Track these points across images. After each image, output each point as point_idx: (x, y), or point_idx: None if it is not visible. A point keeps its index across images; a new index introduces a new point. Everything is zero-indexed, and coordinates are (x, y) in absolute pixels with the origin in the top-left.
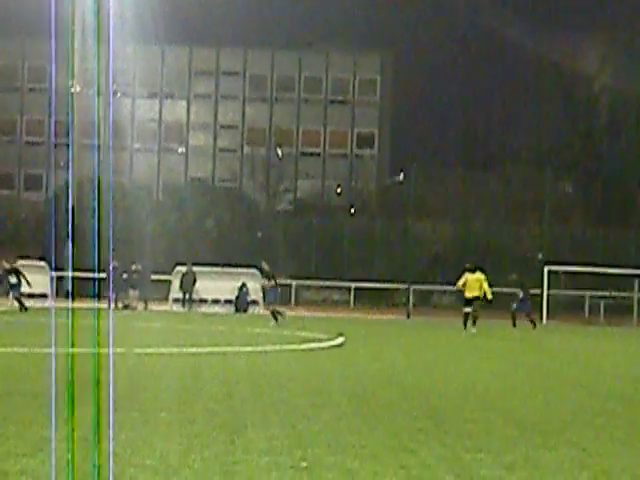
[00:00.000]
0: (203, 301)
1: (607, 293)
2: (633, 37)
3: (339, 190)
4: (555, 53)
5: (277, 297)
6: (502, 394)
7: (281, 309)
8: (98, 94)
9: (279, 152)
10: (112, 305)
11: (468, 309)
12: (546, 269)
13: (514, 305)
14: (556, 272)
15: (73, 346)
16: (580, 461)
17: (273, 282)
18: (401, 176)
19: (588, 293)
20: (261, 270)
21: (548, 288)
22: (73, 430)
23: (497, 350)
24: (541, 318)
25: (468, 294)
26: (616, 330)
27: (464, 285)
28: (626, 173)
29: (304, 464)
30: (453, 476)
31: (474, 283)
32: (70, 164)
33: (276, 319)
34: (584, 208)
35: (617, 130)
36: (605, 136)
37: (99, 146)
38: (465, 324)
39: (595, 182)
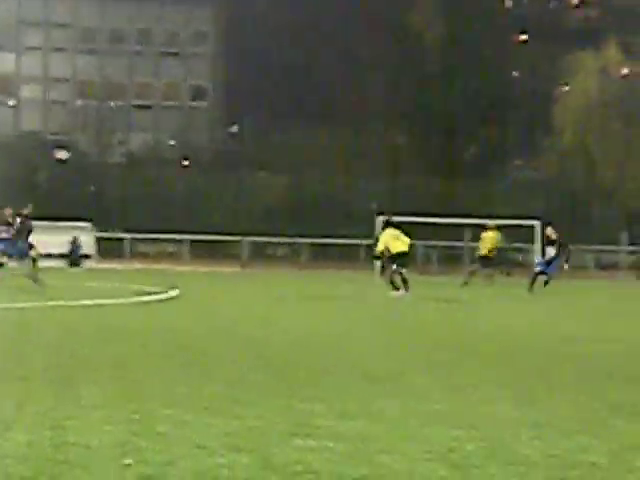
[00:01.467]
0: None
1: (438, 242)
2: None
3: (172, 143)
4: (386, 4)
5: None
6: (337, 344)
7: None
8: None
9: (112, 105)
10: None
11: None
12: (379, 219)
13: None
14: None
15: None
16: (412, 408)
17: None
18: (234, 128)
19: (420, 243)
20: None
21: None
22: None
23: (335, 301)
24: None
25: (396, 250)
26: (448, 279)
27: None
28: (457, 124)
29: (137, 417)
30: (288, 426)
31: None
32: None
33: None
34: (416, 158)
35: (447, 81)
36: (436, 87)
37: None
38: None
39: (426, 133)
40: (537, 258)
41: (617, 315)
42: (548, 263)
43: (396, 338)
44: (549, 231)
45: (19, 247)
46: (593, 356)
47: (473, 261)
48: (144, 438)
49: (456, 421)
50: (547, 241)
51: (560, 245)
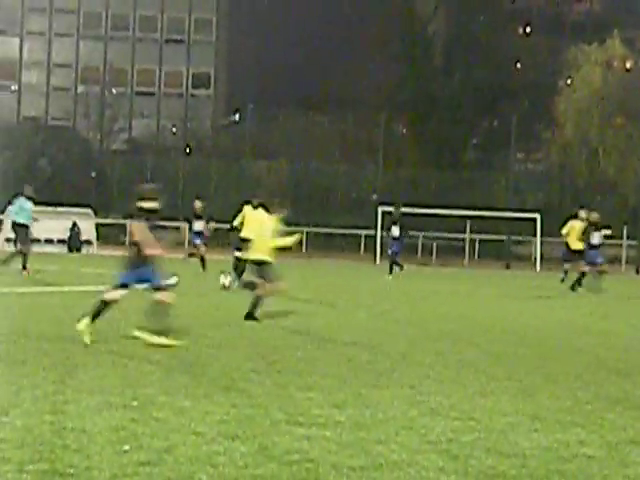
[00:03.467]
0: (36, 241)
1: (439, 234)
2: None
3: (174, 130)
4: None
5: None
6: (336, 334)
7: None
8: None
9: (114, 91)
10: None
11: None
12: (380, 209)
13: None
14: (390, 213)
15: None
16: (409, 399)
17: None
18: (237, 116)
19: (421, 234)
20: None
21: (382, 229)
22: None
23: (336, 288)
24: (375, 259)
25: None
26: (448, 271)
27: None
28: (459, 115)
29: (135, 403)
30: (284, 414)
31: None
32: None
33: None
34: (418, 150)
35: (450, 73)
36: (439, 78)
37: None
38: None
39: (428, 124)
40: (595, 255)
41: (616, 309)
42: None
43: (394, 329)
44: (594, 216)
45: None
46: (591, 349)
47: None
48: (142, 424)
49: (454, 412)
50: (594, 227)
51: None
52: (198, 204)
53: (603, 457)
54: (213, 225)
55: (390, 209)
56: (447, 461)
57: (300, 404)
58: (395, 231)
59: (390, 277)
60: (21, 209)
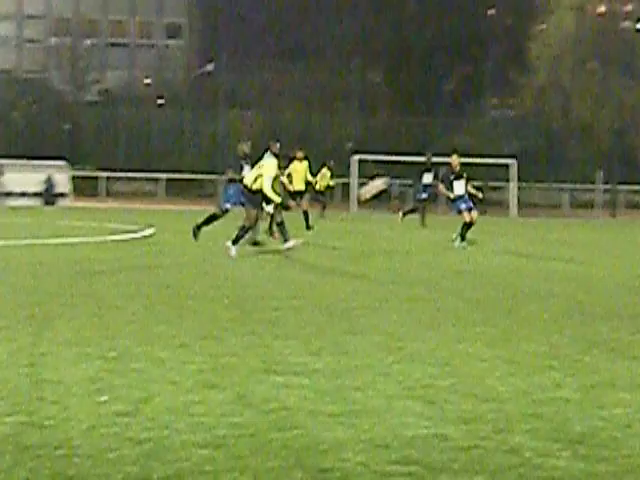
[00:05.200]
0: (10, 194)
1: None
2: None
3: (148, 81)
4: None
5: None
6: (311, 283)
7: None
8: None
9: (88, 42)
10: None
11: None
12: (355, 158)
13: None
14: (365, 161)
15: None
16: (387, 345)
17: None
18: (210, 66)
19: (397, 181)
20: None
21: (358, 177)
22: None
23: (311, 238)
24: (349, 207)
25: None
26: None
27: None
28: (432, 62)
29: (113, 354)
30: (261, 362)
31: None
32: None
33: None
34: (392, 98)
35: (423, 20)
36: (412, 26)
37: None
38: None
39: (403, 72)
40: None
41: (592, 254)
42: None
43: (371, 275)
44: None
45: None
46: (568, 294)
47: None
48: (119, 375)
49: (430, 358)
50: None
51: None
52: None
53: (579, 400)
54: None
55: (368, 157)
56: (424, 406)
57: (277, 352)
58: (426, 178)
59: (400, 219)
60: None
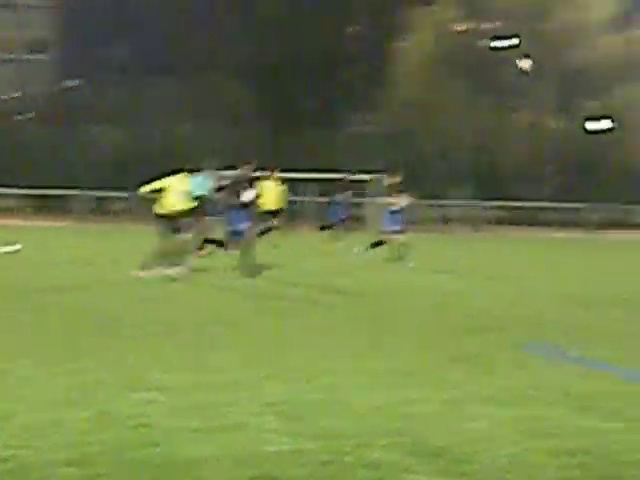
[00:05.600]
0: None
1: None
2: None
3: (9, 96)
4: None
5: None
6: (169, 299)
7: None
8: None
9: None
10: None
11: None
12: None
13: None
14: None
15: None
16: (247, 361)
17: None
18: (73, 82)
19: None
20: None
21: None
22: None
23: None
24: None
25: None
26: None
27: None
28: (299, 80)
29: None
30: (123, 379)
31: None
32: None
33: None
34: (260, 114)
35: (290, 37)
36: (280, 43)
37: None
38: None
39: (271, 89)
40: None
41: (457, 270)
42: None
43: (237, 293)
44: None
45: None
46: (435, 309)
47: None
48: None
49: (294, 374)
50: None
51: None
52: None
53: (439, 414)
54: None
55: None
56: (285, 422)
57: (137, 369)
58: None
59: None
60: None
